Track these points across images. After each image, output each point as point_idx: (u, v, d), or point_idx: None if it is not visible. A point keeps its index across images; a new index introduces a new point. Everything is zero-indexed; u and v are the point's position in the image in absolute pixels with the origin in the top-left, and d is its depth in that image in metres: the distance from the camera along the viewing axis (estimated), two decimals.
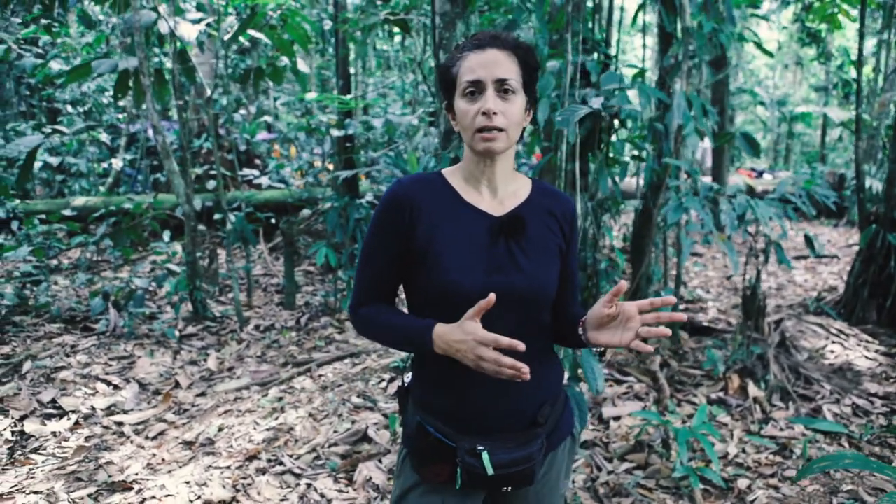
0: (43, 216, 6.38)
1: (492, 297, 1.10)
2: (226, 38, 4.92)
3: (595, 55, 4.61)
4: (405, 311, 1.34)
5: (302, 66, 5.20)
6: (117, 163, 8.87)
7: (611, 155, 4.69)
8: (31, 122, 9.86)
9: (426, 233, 1.24)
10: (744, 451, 3.18)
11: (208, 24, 4.93)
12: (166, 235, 6.12)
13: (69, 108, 9.99)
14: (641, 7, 4.65)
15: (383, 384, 3.80)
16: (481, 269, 1.23)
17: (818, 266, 8.15)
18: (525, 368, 1.08)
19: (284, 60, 5.39)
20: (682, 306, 5.65)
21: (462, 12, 3.15)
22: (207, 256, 6.33)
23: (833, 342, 4.71)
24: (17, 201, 7.72)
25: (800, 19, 12.87)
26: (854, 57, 12.81)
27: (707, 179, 10.96)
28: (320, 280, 6.64)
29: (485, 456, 1.22)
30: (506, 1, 4.74)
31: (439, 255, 1.23)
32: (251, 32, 5.04)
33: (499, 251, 1.25)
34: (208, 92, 5.07)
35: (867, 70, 11.95)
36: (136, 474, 2.93)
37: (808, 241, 3.68)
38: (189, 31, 4.68)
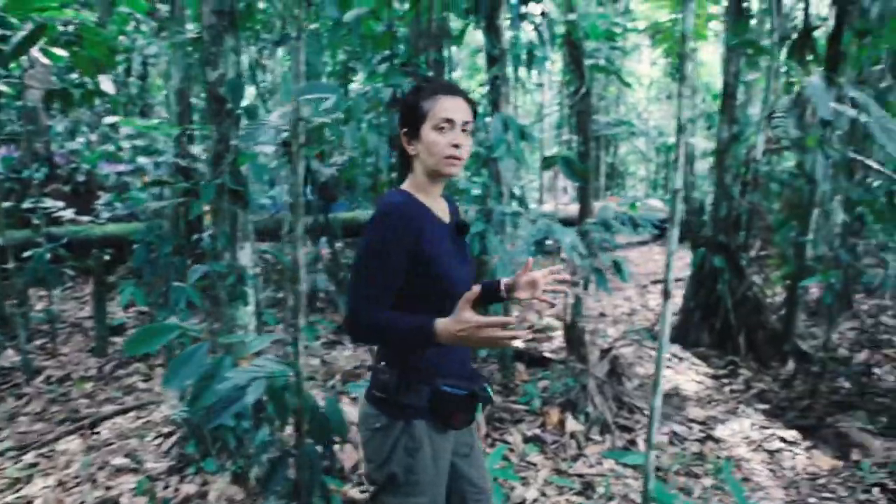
0: None
1: (476, 288, 1.38)
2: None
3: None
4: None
5: (108, 86, 4.72)
6: None
7: None
8: None
9: (429, 243, 1.51)
10: (544, 494, 2.96)
11: None
12: None
13: None
14: (465, 28, 4.56)
15: (159, 440, 3.33)
16: (457, 266, 1.60)
17: (675, 290, 8.33)
18: (520, 332, 1.37)
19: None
20: (528, 335, 5.51)
21: (229, 26, 2.85)
22: (15, 298, 5.59)
23: (666, 367, 4.67)
24: None
25: (668, 54, 13.59)
26: (715, 91, 13.64)
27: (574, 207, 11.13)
28: (153, 321, 6.03)
29: (488, 389, 1.70)
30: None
31: (439, 261, 1.53)
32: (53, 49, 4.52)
33: (458, 250, 1.65)
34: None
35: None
36: None
37: (617, 267, 3.59)
38: None
